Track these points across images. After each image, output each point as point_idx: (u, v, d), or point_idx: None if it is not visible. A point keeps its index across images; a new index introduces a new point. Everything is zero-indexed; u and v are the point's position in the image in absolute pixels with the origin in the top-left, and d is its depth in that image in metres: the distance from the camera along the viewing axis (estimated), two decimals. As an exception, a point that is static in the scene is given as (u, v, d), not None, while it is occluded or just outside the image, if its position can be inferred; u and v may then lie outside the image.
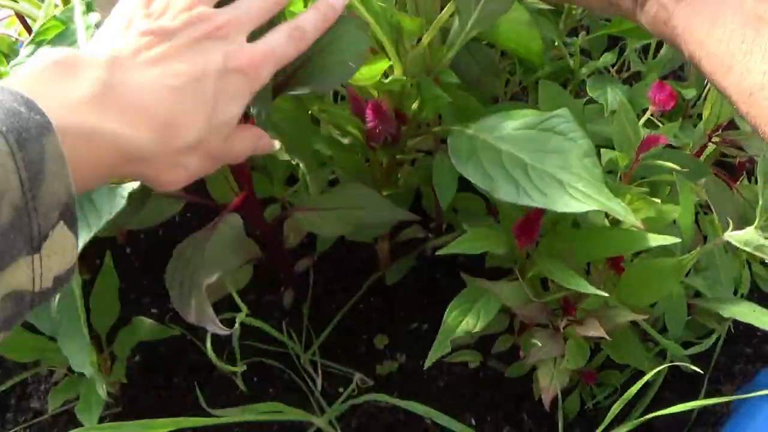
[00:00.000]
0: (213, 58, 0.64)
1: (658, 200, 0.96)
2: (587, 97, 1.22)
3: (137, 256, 1.41)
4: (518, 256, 1.00)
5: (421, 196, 1.25)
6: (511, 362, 1.18)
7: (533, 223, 0.93)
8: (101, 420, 1.11)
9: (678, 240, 0.88)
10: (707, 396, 1.17)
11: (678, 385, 1.19)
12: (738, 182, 1.18)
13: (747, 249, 0.90)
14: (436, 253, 0.95)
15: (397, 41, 0.87)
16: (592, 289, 0.87)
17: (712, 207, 1.05)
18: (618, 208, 0.74)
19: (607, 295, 0.89)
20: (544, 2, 1.03)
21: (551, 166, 0.78)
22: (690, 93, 1.26)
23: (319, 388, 1.23)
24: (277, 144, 0.76)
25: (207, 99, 0.63)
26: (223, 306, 1.03)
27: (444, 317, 0.96)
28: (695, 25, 0.71)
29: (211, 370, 1.24)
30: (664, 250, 0.97)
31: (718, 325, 1.09)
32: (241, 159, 0.73)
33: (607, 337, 0.92)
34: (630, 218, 0.75)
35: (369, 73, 0.87)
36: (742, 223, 0.96)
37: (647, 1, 0.75)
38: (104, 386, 0.97)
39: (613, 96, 1.20)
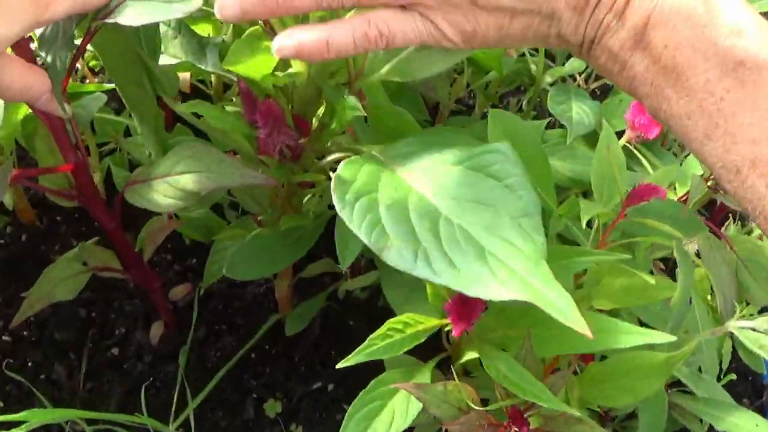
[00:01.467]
0: None
1: (644, 274, 0.76)
2: (550, 118, 0.99)
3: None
4: (451, 337, 0.79)
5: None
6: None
7: (473, 303, 0.71)
8: None
9: (674, 338, 0.71)
10: None
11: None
12: (724, 227, 1.02)
13: (754, 348, 0.77)
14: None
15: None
16: (556, 402, 0.66)
17: (710, 279, 0.90)
18: (558, 301, 0.53)
19: (578, 414, 0.69)
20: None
21: (473, 223, 0.57)
22: None
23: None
24: (60, 110, 0.68)
25: None
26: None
27: (342, 425, 0.74)
28: (658, 76, 0.59)
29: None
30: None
31: (700, 427, 0.91)
32: (12, 97, 0.65)
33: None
34: (576, 320, 0.53)
35: (258, 63, 0.68)
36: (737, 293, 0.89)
37: (593, 49, 0.62)
38: None
39: (579, 115, 1.01)
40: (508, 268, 0.54)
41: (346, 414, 0.73)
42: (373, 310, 1.13)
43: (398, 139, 0.68)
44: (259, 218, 0.90)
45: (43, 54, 0.67)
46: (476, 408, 0.70)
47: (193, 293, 1.13)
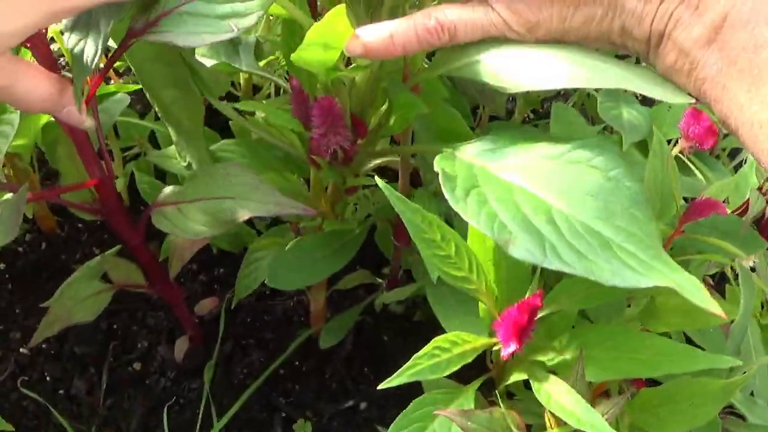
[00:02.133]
0: None
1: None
2: (601, 124, 0.96)
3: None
4: (496, 357, 0.75)
5: (374, 231, 1.01)
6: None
7: (527, 321, 0.66)
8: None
9: (740, 363, 0.66)
10: None
11: None
12: None
13: None
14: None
15: (372, 11, 0.65)
16: None
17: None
18: (689, 284, 0.50)
19: None
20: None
21: (588, 214, 0.54)
22: None
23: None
24: (88, 121, 0.63)
25: None
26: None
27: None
28: (731, 80, 0.55)
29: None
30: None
31: None
32: (29, 107, 0.60)
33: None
34: (709, 302, 0.49)
35: (319, 55, 0.62)
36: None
37: (661, 45, 0.58)
38: None
39: (631, 121, 0.96)
40: (634, 256, 0.51)
41: None
42: (409, 325, 1.10)
43: (449, 142, 0.65)
44: (300, 226, 0.87)
45: (69, 46, 0.61)
46: None
47: (220, 306, 1.09)
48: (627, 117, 0.97)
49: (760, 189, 0.89)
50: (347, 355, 1.09)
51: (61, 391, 1.05)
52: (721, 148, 1.15)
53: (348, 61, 0.69)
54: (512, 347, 0.65)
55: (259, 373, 1.05)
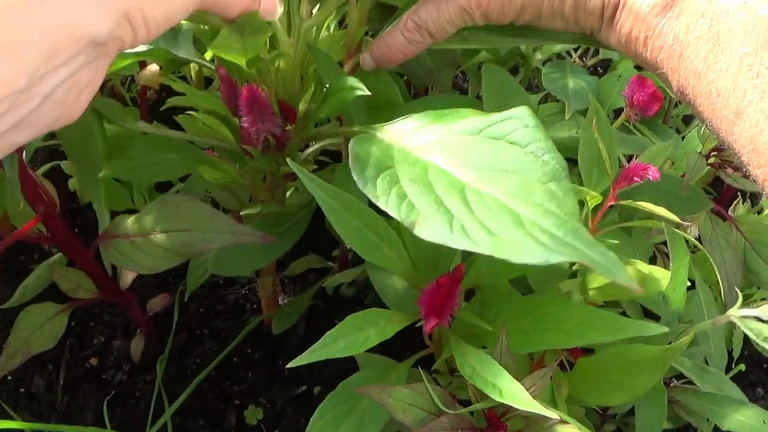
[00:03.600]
0: None
1: (639, 262, 0.72)
2: (543, 92, 0.95)
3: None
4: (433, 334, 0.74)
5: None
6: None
7: (447, 295, 0.66)
8: None
9: (665, 329, 0.64)
10: None
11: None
12: (731, 208, 0.96)
13: (758, 340, 0.70)
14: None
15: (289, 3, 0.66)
16: (533, 404, 0.59)
17: (713, 264, 0.84)
18: (606, 260, 0.47)
19: (557, 416, 0.61)
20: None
21: (502, 191, 0.53)
22: None
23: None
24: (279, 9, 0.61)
25: None
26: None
27: (308, 427, 0.69)
28: (688, 47, 0.54)
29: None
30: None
31: (705, 423, 0.85)
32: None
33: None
34: (628, 279, 0.47)
35: (242, 44, 0.61)
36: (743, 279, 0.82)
37: (617, 16, 0.58)
38: None
39: (576, 90, 0.96)
40: (548, 231, 0.49)
41: (311, 419, 0.69)
42: (361, 308, 1.04)
43: (387, 117, 0.64)
44: (241, 213, 0.85)
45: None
46: (449, 411, 0.65)
47: (174, 298, 1.08)
48: (572, 86, 0.96)
49: (701, 153, 0.88)
50: (300, 341, 1.08)
51: (21, 390, 1.04)
52: (677, 114, 1.14)
53: (271, 46, 0.68)
54: (432, 322, 0.65)
55: (212, 363, 1.05)
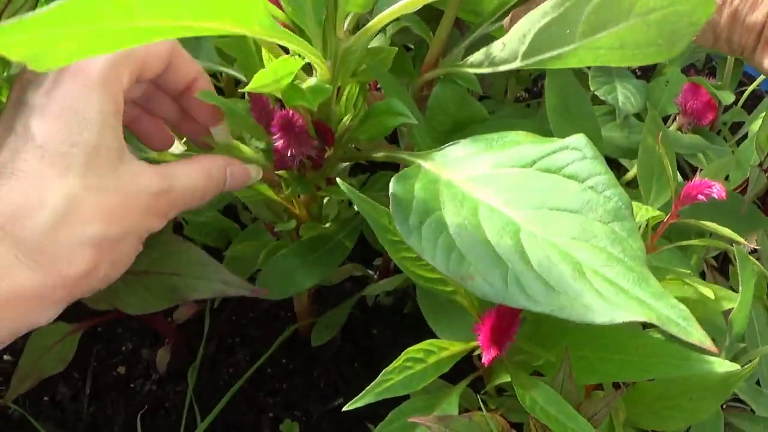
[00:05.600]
0: None
1: (698, 281, 0.68)
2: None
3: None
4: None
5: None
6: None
7: (507, 325, 0.62)
8: None
9: (735, 367, 0.60)
10: None
11: None
12: None
13: None
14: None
15: (325, 24, 0.60)
16: None
17: None
18: (677, 316, 0.44)
19: None
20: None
21: (560, 234, 0.48)
22: (728, 98, 0.96)
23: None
24: (254, 171, 0.65)
25: None
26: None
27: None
28: None
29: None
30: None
31: None
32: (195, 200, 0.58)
33: None
34: (700, 337, 0.43)
35: (272, 75, 0.57)
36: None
37: None
38: None
39: (625, 96, 0.92)
40: (613, 283, 0.46)
41: None
42: (399, 318, 1.05)
43: (455, 137, 0.60)
44: (275, 229, 0.82)
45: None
46: None
47: (204, 305, 1.05)
48: (621, 91, 0.92)
49: (760, 165, 0.84)
50: (336, 351, 1.05)
51: (45, 398, 1.02)
52: (722, 122, 1.09)
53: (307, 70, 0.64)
54: (492, 353, 0.61)
55: (245, 373, 1.02)
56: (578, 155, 0.52)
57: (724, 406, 0.82)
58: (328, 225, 0.80)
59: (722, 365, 0.60)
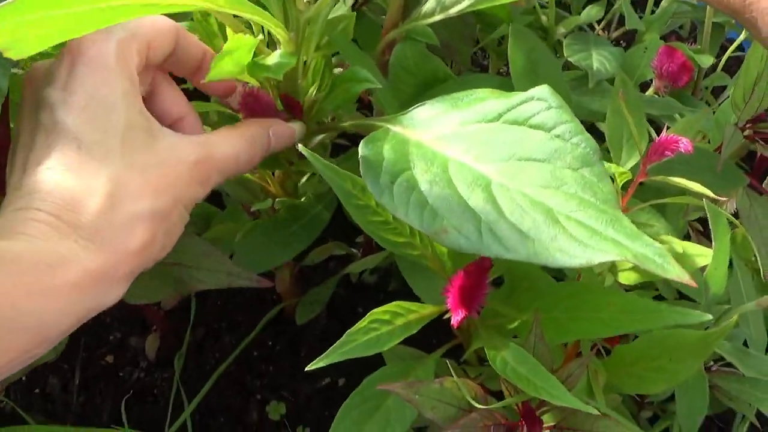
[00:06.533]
0: None
1: (674, 239, 0.69)
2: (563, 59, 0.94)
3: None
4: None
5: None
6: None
7: (475, 285, 0.62)
8: None
9: (708, 317, 0.60)
10: None
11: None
12: (766, 181, 0.91)
13: None
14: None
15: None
16: (570, 399, 0.56)
17: (751, 241, 0.80)
18: (654, 254, 0.44)
19: (596, 413, 0.57)
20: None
21: (531, 184, 0.49)
22: (706, 61, 0.98)
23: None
24: (299, 127, 0.65)
25: None
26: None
27: (331, 428, 0.66)
28: None
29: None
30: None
31: (748, 408, 0.83)
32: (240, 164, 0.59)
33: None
34: (678, 273, 0.44)
35: (230, 60, 0.57)
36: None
37: None
38: None
39: (599, 62, 0.92)
40: (586, 226, 0.46)
41: (334, 418, 0.66)
42: (384, 296, 1.05)
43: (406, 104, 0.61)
44: (252, 209, 0.82)
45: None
46: (480, 407, 0.61)
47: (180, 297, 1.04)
48: (596, 57, 0.92)
49: (736, 124, 0.84)
50: (321, 330, 1.05)
51: (36, 390, 1.02)
52: (704, 87, 1.09)
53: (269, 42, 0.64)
54: (460, 314, 0.61)
55: (228, 356, 1.02)
56: (544, 105, 0.52)
57: (713, 369, 0.82)
58: (303, 200, 0.80)
59: (696, 316, 0.60)
